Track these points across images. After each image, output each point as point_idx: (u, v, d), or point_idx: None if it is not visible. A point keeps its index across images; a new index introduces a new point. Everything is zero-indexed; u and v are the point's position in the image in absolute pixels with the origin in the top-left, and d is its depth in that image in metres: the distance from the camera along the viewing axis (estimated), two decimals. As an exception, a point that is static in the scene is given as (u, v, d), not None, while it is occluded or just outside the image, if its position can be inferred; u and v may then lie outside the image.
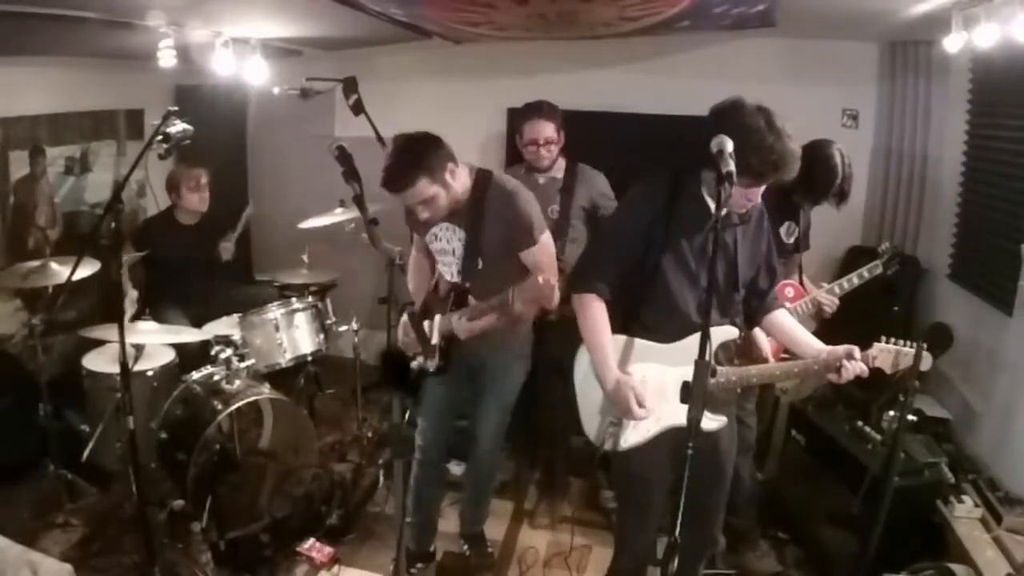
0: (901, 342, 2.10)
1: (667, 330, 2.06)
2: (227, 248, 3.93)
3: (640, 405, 1.99)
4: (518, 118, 3.23)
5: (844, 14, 3.24)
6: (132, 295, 3.59)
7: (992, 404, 3.09)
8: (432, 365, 2.49)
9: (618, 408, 2.04)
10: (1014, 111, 3.12)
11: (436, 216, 2.43)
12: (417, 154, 2.30)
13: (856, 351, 2.02)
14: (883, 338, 2.10)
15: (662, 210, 2.02)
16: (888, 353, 2.08)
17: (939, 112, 3.74)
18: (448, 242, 2.54)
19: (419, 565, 2.92)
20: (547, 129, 3.13)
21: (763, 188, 1.97)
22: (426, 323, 2.49)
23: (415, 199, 2.34)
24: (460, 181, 2.41)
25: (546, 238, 2.51)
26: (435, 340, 2.45)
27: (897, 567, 2.49)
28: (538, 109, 3.16)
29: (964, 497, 2.69)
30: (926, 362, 2.10)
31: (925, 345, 2.08)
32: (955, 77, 3.55)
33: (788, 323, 2.24)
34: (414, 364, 2.51)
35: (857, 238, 4.07)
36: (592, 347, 2.08)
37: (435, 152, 2.33)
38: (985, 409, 3.15)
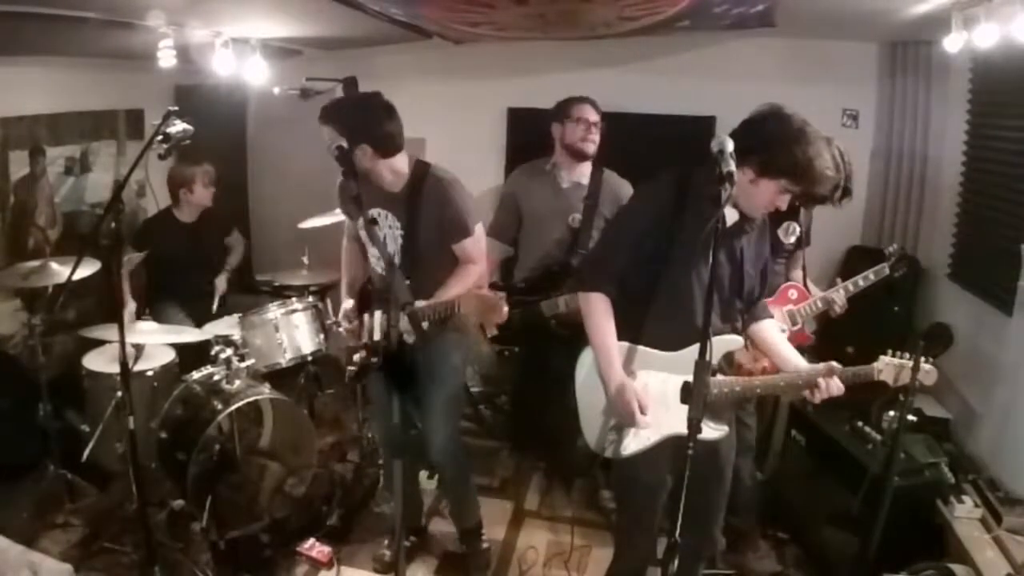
0: (907, 356, 2.09)
1: (671, 337, 2.04)
2: (221, 284, 3.97)
3: (642, 413, 1.99)
4: (562, 104, 3.15)
5: (844, 14, 3.24)
6: (131, 307, 3.59)
7: (992, 404, 3.09)
8: (373, 362, 2.47)
9: (619, 413, 2.02)
10: (1014, 111, 3.12)
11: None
12: (345, 111, 2.38)
13: (836, 368, 2.02)
14: (889, 351, 2.09)
15: (672, 212, 1.99)
16: (893, 367, 2.08)
17: (939, 112, 3.74)
18: (379, 228, 2.52)
19: (412, 538, 2.99)
20: (595, 115, 3.11)
21: (788, 198, 1.95)
22: (365, 316, 2.48)
23: (325, 138, 2.36)
24: (378, 165, 2.40)
25: (479, 230, 2.51)
26: (377, 336, 2.38)
27: (897, 567, 2.49)
28: (586, 98, 3.14)
29: (964, 497, 2.69)
30: (931, 376, 2.09)
31: (931, 359, 2.08)
32: (955, 77, 3.55)
33: (775, 334, 2.23)
34: (356, 357, 2.51)
35: (857, 238, 4.08)
36: (597, 347, 2.06)
37: (359, 122, 2.35)
38: (985, 409, 3.15)
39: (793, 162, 1.84)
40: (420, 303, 2.39)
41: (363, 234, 2.58)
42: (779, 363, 2.16)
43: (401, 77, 4.39)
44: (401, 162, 2.46)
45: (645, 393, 2.01)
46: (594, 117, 3.10)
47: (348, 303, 2.67)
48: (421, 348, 2.54)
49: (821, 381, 1.99)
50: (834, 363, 2.03)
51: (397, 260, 2.49)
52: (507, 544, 3.14)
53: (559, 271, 3.12)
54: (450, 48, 4.35)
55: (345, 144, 2.30)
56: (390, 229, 2.50)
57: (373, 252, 2.57)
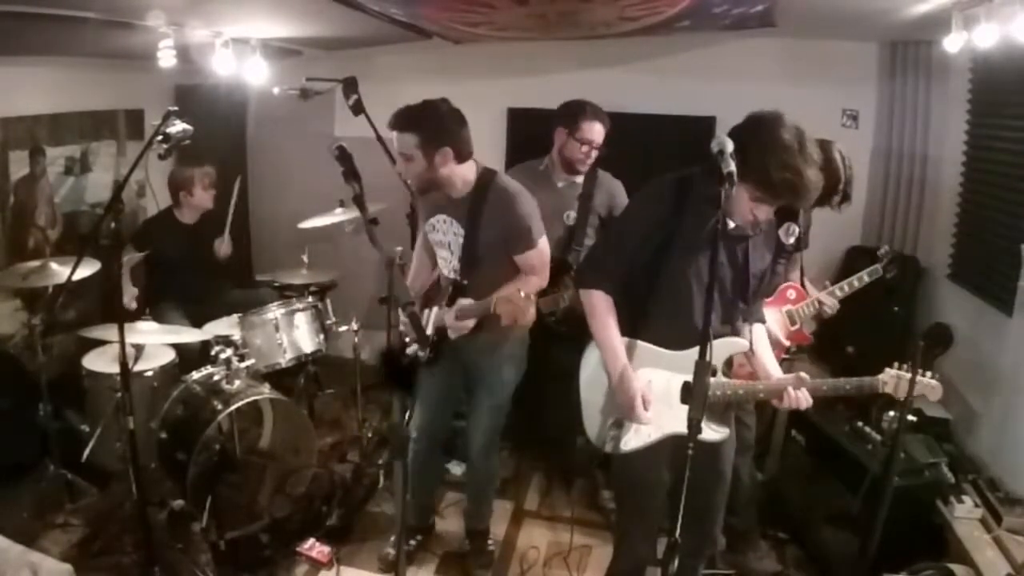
0: (913, 367, 2.09)
1: (676, 337, 2.06)
2: (223, 243, 3.91)
3: (644, 408, 1.99)
4: (574, 112, 3.09)
5: (844, 14, 3.23)
6: (132, 291, 3.58)
7: (992, 404, 3.09)
8: (424, 355, 2.52)
9: (620, 403, 2.04)
10: (1014, 111, 3.12)
11: (406, 175, 2.47)
12: (426, 114, 2.37)
13: (806, 378, 2.03)
14: (896, 364, 2.10)
15: (672, 213, 2.00)
16: (897, 380, 2.08)
17: (939, 112, 3.74)
18: (444, 235, 2.57)
19: (418, 537, 3.02)
20: (601, 135, 3.07)
21: (770, 209, 1.94)
22: (424, 311, 2.53)
23: (398, 146, 2.41)
24: (456, 172, 2.44)
25: (543, 242, 2.53)
26: (429, 331, 2.48)
27: (897, 567, 2.49)
28: (600, 112, 3.07)
29: (964, 497, 2.70)
30: (936, 392, 2.10)
31: (937, 376, 2.08)
32: (955, 77, 3.55)
33: (761, 340, 2.22)
34: (408, 351, 2.53)
35: (857, 238, 4.08)
36: (600, 341, 2.09)
37: (440, 125, 2.38)
38: (985, 409, 3.15)
39: (757, 171, 1.82)
40: (465, 302, 2.43)
41: (431, 236, 2.62)
42: (757, 369, 2.17)
43: (401, 77, 4.39)
44: (470, 169, 2.48)
45: (648, 390, 2.02)
46: (600, 138, 3.07)
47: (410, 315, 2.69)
48: (477, 357, 2.60)
49: (791, 391, 2.02)
50: (803, 374, 2.06)
51: (459, 266, 2.53)
52: (508, 543, 3.14)
53: (555, 268, 3.14)
54: (450, 48, 4.35)
55: (419, 149, 2.35)
56: (455, 236, 2.53)
57: (441, 256, 2.63)
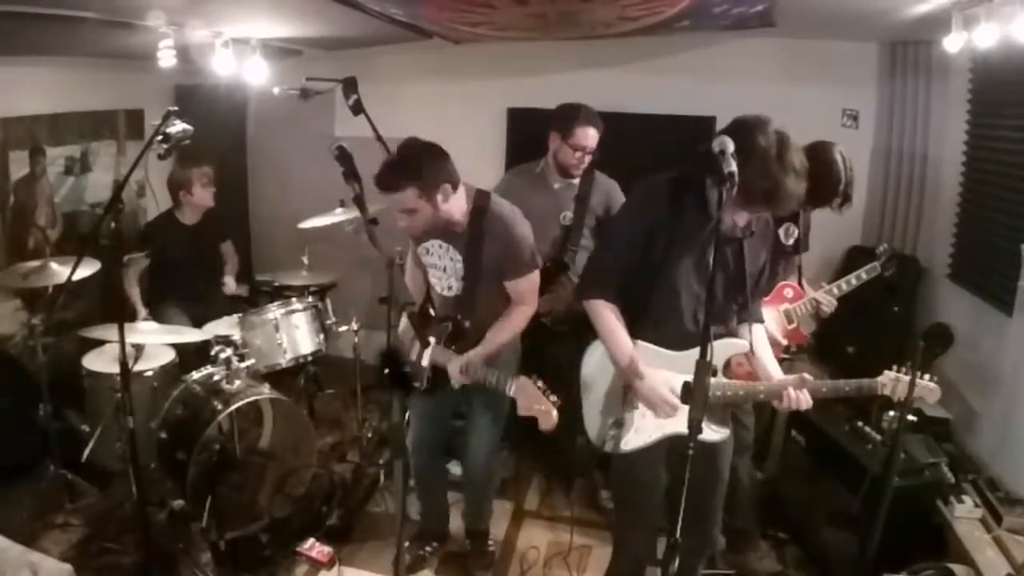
0: (912, 368, 2.09)
1: (668, 338, 2.07)
2: (229, 283, 3.99)
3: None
4: (568, 118, 3.07)
5: (844, 14, 3.24)
6: (142, 313, 3.58)
7: (992, 404, 3.09)
8: (420, 384, 2.48)
9: (648, 400, 2.05)
10: (1014, 111, 3.12)
11: (414, 228, 2.40)
12: (415, 162, 2.28)
13: (808, 379, 2.03)
14: (895, 367, 2.10)
15: (665, 215, 2.00)
16: (896, 382, 2.08)
17: (939, 112, 3.74)
18: (440, 259, 2.54)
19: (434, 544, 3.01)
20: (595, 140, 3.06)
21: (748, 215, 1.94)
22: (415, 343, 2.48)
23: (399, 205, 2.32)
24: (455, 203, 2.38)
25: (536, 274, 2.51)
26: (425, 363, 2.41)
27: (897, 567, 2.49)
28: (593, 117, 3.05)
29: (964, 497, 2.69)
30: (934, 395, 2.11)
31: (935, 379, 2.08)
32: (955, 77, 3.55)
33: (761, 340, 2.22)
34: (407, 369, 2.51)
35: (857, 238, 4.08)
36: (606, 337, 2.11)
37: (433, 166, 2.30)
38: (985, 409, 3.15)
39: (773, 198, 1.81)
40: (475, 358, 2.39)
41: (424, 259, 2.59)
42: (758, 370, 2.17)
43: (401, 77, 4.41)
44: (462, 196, 2.42)
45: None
46: (593, 143, 3.07)
47: (404, 321, 2.63)
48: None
49: (791, 392, 2.02)
50: (806, 375, 2.06)
51: (458, 291, 2.50)
52: (508, 543, 3.15)
53: (552, 268, 3.15)
54: (450, 48, 4.35)
55: (422, 198, 2.27)
56: (451, 262, 2.50)
57: (434, 275, 2.59)
